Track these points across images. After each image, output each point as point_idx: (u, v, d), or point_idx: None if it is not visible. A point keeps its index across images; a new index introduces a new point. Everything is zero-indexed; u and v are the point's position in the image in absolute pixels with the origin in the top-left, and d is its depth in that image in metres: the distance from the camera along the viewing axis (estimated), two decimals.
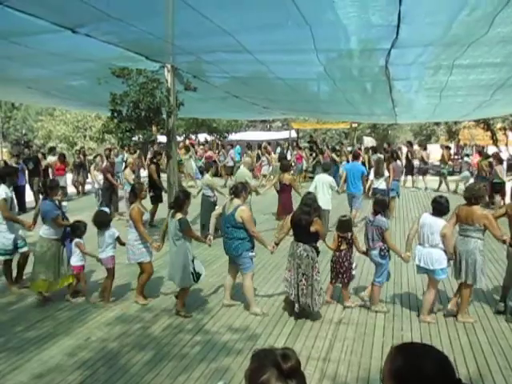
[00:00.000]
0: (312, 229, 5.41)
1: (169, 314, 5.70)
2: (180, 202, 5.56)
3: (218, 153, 20.90)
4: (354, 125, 24.16)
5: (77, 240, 6.15)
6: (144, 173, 14.74)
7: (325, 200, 9.18)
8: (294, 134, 27.79)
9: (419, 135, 37.28)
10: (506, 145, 23.72)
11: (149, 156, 17.03)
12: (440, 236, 5.23)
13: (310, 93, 9.99)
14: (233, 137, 29.36)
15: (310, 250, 5.42)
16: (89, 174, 14.27)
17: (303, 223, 5.43)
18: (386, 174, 11.47)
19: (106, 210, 6.63)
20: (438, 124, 30.65)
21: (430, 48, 5.45)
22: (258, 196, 9.88)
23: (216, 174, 19.58)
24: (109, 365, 4.45)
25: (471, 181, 15.46)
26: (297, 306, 5.43)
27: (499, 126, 23.36)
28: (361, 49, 5.83)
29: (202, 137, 29.28)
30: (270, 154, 19.42)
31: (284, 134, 30.25)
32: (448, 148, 18.84)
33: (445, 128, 30.86)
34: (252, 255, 5.66)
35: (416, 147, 18.41)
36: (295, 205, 9.43)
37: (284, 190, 9.42)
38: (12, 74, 8.37)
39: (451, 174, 17.49)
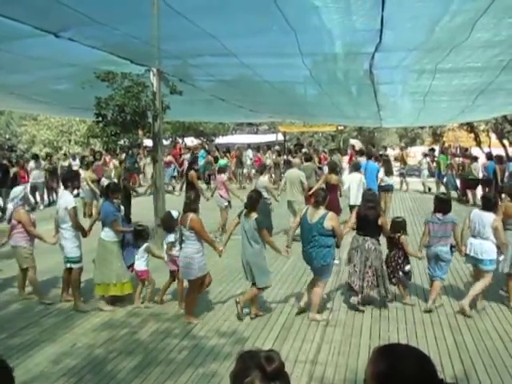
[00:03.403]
0: (379, 222, 5.71)
1: (156, 318, 5.66)
2: (253, 201, 5.52)
3: (180, 156, 20.41)
4: (341, 128, 24.35)
5: (147, 244, 6.13)
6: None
7: (358, 196, 9.87)
8: (280, 137, 27.87)
9: (405, 137, 37.67)
10: (489, 146, 24.10)
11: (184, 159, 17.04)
12: (492, 228, 5.53)
13: (297, 96, 10.07)
14: (220, 140, 29.36)
15: (377, 243, 5.74)
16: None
17: (371, 218, 5.69)
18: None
19: (174, 212, 6.21)
20: (422, 127, 31.02)
21: (413, 52, 5.54)
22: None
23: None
24: (95, 371, 4.40)
25: (430, 179, 16.90)
26: (360, 296, 5.69)
27: (482, 128, 23.77)
28: (345, 52, 5.90)
29: (189, 140, 29.23)
30: (234, 157, 19.37)
31: (271, 137, 30.33)
32: (433, 150, 19.49)
33: (429, 131, 31.25)
34: (336, 263, 5.80)
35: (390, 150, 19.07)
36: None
37: (331, 190, 9.76)
38: None
39: (410, 175, 18.27)
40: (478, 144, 23.62)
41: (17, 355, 4.69)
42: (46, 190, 14.68)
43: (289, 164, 17.55)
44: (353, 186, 9.80)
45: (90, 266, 6.13)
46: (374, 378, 1.33)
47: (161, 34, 5.78)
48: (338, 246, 5.74)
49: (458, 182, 15.26)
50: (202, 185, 16.00)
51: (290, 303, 6.09)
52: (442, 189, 15.79)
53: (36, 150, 23.54)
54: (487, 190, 13.41)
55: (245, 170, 19.88)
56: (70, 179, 6.26)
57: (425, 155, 18.13)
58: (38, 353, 4.77)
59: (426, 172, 17.01)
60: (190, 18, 4.76)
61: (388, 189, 11.72)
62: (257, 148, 22.46)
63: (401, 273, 5.94)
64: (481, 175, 13.87)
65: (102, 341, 5.05)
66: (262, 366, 1.37)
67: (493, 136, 24.42)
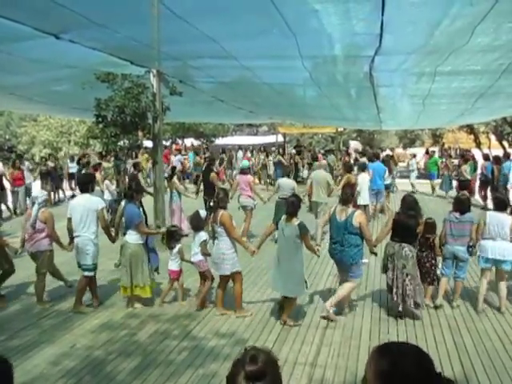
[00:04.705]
0: (418, 230, 5.73)
1: (155, 320, 5.66)
2: (295, 207, 5.48)
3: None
4: (340, 129, 24.36)
5: (180, 246, 6.16)
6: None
7: (366, 196, 10.44)
8: (280, 139, 27.87)
9: (404, 139, 37.75)
10: (489, 147, 24.14)
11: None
12: (509, 229, 5.58)
13: (297, 97, 10.08)
14: (219, 141, 29.37)
15: (414, 250, 5.70)
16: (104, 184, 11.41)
17: (412, 225, 5.66)
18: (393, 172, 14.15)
19: (202, 212, 6.17)
20: (422, 128, 31.07)
21: (412, 55, 5.55)
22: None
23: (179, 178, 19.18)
24: (94, 373, 4.41)
25: (417, 181, 17.24)
26: (401, 306, 5.60)
27: (482, 129, 23.82)
28: (345, 55, 5.92)
29: (189, 141, 29.26)
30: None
31: (270, 139, 30.32)
32: (427, 151, 19.77)
33: (429, 132, 31.29)
34: (366, 262, 5.75)
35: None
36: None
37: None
38: None
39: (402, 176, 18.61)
40: (478, 145, 23.67)
41: (16, 356, 4.67)
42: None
43: (279, 164, 17.78)
44: (362, 186, 10.32)
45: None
46: (376, 378, 1.35)
47: (161, 37, 5.79)
48: (374, 254, 5.82)
49: (454, 182, 15.56)
50: (189, 185, 16.12)
51: None
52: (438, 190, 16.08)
53: (36, 150, 23.54)
54: (484, 189, 13.67)
55: (234, 172, 20.03)
56: (90, 183, 6.17)
57: (413, 156, 18.35)
58: (37, 354, 4.78)
59: (414, 173, 17.27)
60: (190, 20, 4.78)
61: (387, 187, 12.50)
62: (246, 150, 22.72)
63: (434, 272, 6.02)
64: (479, 175, 14.20)
65: (101, 342, 5.06)
66: (244, 365, 1.44)
67: (492, 137, 24.47)
